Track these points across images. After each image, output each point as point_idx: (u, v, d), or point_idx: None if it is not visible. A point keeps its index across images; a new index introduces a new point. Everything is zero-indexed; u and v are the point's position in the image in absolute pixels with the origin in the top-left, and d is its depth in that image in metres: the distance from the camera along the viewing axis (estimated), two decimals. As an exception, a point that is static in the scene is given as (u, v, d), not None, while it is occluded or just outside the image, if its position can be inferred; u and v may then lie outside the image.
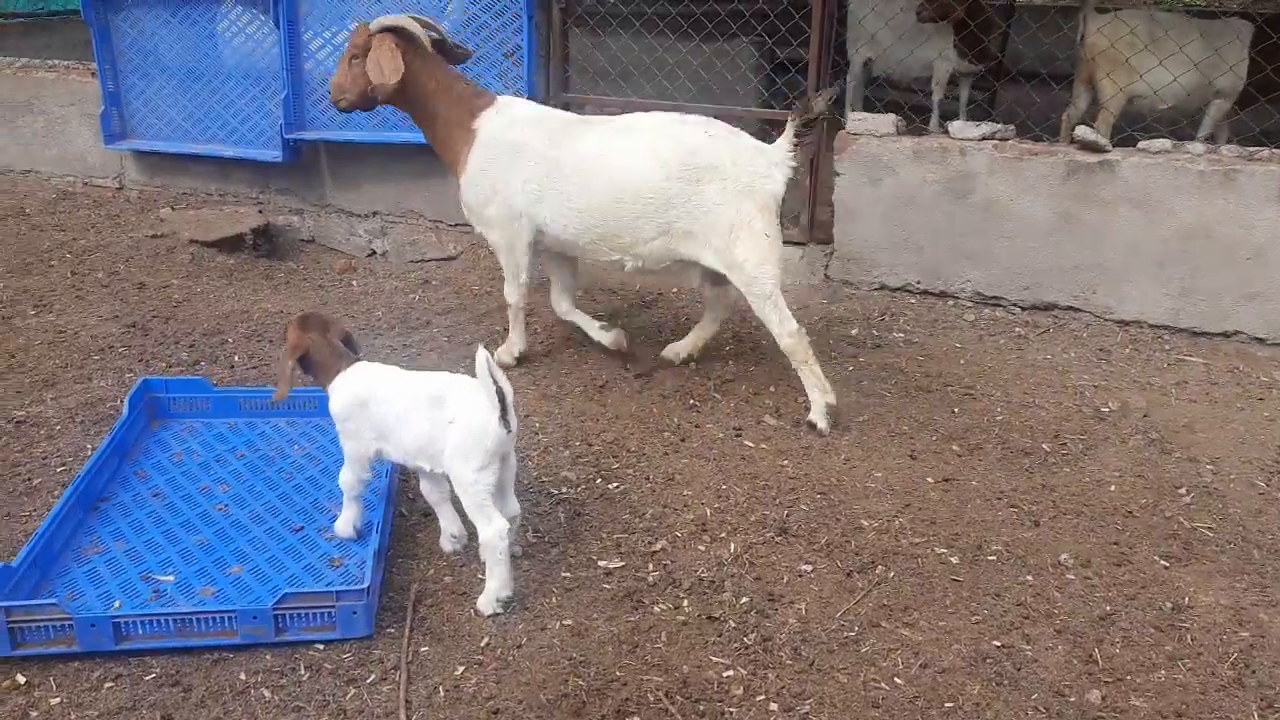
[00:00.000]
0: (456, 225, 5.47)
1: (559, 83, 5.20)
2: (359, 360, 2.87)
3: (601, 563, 2.87)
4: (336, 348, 2.85)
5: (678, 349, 4.09)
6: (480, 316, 4.60)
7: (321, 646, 2.48)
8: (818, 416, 3.59)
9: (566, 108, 5.14)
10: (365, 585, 2.47)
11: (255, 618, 2.43)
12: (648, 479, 3.31)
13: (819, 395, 3.60)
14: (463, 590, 2.74)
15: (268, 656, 2.45)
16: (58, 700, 2.32)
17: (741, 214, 3.51)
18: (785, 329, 3.58)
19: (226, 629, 2.44)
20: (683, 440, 3.57)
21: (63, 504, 2.82)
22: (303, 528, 2.97)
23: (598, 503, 3.17)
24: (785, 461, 3.44)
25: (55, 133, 6.17)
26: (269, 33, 5.38)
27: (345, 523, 2.89)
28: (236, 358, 4.14)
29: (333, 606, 2.45)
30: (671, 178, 3.53)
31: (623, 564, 2.87)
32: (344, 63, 3.80)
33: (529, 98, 4.82)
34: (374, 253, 5.62)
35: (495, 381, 2.49)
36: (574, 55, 5.42)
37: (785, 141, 3.53)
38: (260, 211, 5.62)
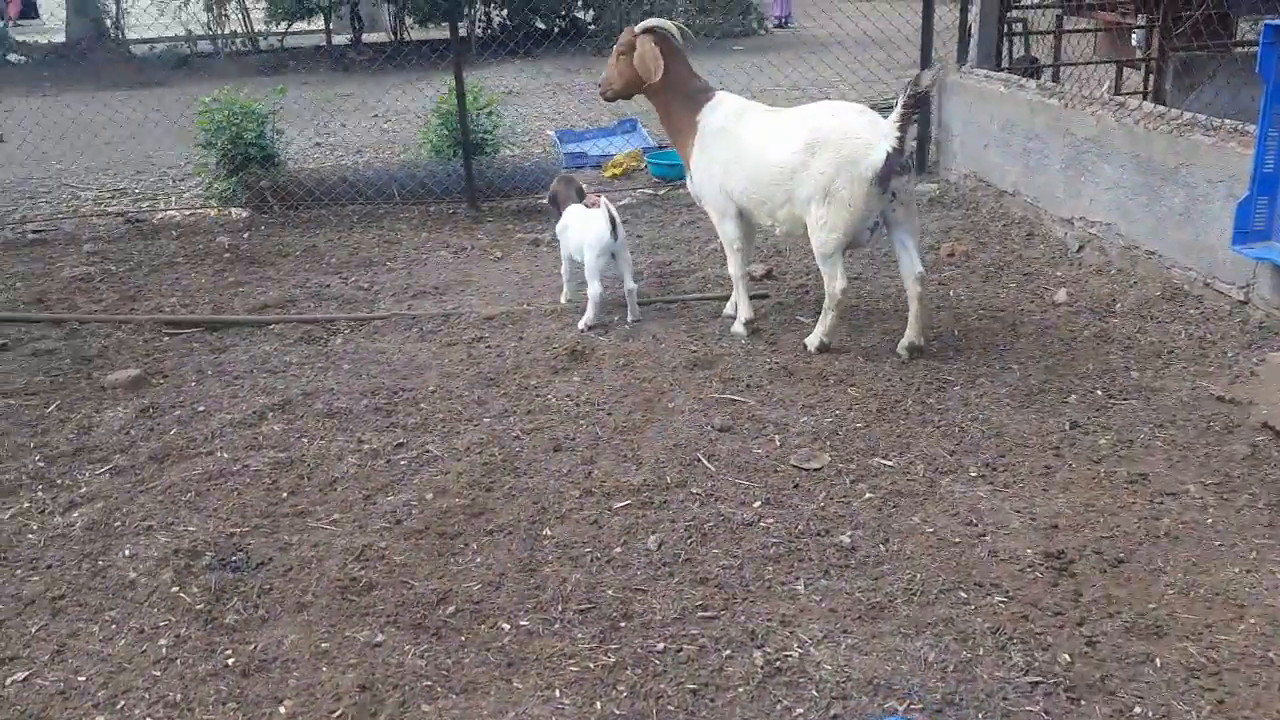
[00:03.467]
0: None
1: None
2: None
3: None
4: None
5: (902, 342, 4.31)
6: None
7: None
8: (812, 343, 4.36)
9: None
10: None
11: None
12: None
13: (820, 331, 4.33)
14: None
15: None
16: None
17: (836, 182, 4.02)
18: (836, 285, 4.19)
19: None
20: None
21: None
22: None
23: None
24: None
25: (1193, 212, 4.66)
26: None
27: None
28: None
29: None
30: (795, 151, 4.12)
31: None
32: (613, 59, 4.68)
33: None
34: None
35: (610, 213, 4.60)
36: None
37: (895, 115, 3.88)
38: None
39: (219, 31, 19.86)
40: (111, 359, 4.77)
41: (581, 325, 4.86)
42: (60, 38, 19.47)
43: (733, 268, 4.66)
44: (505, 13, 20.16)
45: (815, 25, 20.50)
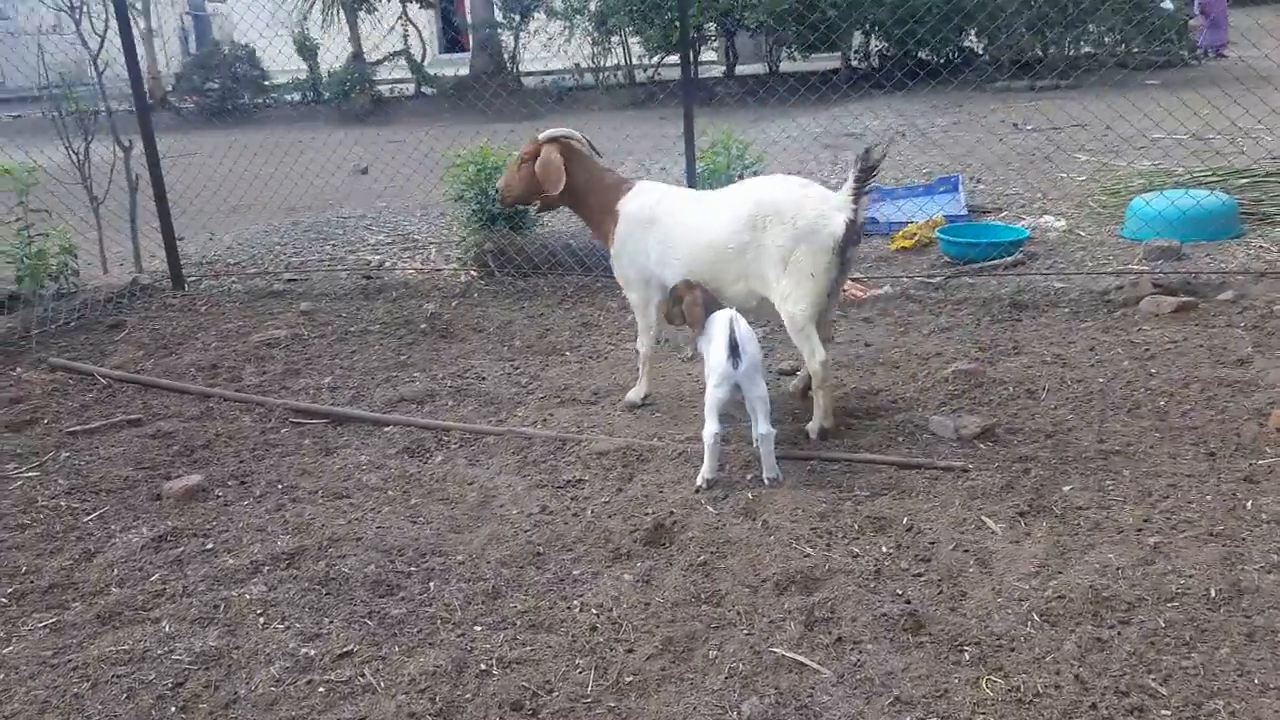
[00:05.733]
0: None
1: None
2: None
3: None
4: None
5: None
6: None
7: None
8: (813, 430, 4.11)
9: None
10: None
11: None
12: None
13: (819, 416, 4.09)
14: None
15: None
16: None
17: (796, 254, 3.93)
18: (816, 358, 4.00)
19: None
20: None
21: None
22: None
23: None
24: None
25: None
26: None
27: None
28: None
29: None
30: (741, 229, 4.04)
31: None
32: (514, 165, 4.66)
33: None
34: None
35: (731, 332, 3.66)
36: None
37: (848, 188, 3.87)
38: None
39: (601, 65, 20.43)
40: (217, 451, 4.43)
41: (699, 480, 3.76)
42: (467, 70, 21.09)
43: (641, 345, 4.61)
44: (885, 44, 18.79)
45: (1261, 56, 16.97)
